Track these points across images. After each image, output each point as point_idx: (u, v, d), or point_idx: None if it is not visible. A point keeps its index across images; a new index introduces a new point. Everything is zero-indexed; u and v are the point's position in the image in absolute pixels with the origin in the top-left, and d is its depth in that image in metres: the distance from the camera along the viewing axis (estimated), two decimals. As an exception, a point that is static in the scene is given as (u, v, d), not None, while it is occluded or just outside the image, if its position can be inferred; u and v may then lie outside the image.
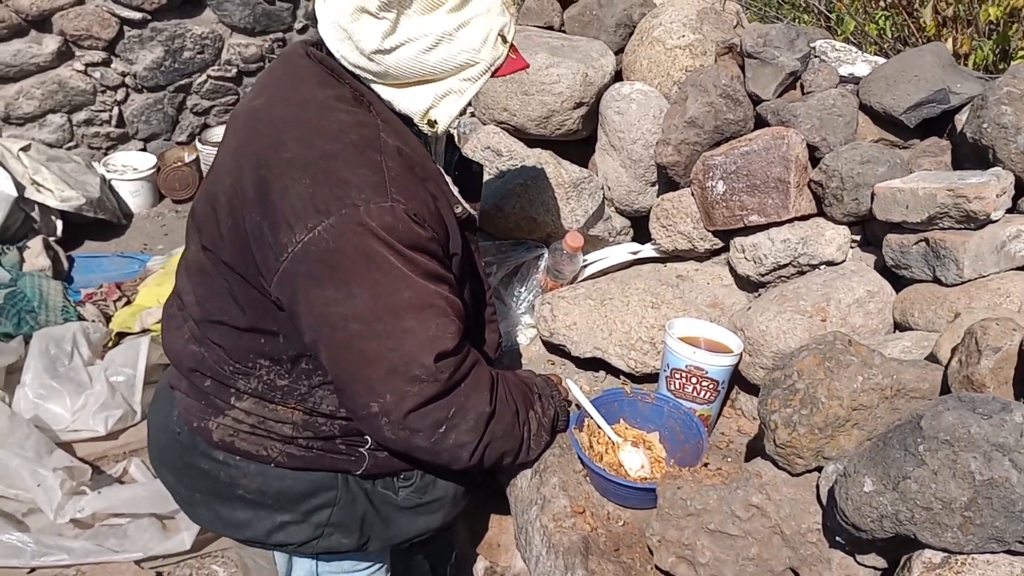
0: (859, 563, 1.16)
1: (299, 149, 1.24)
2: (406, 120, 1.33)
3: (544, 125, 2.06)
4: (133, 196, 4.14)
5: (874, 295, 1.56)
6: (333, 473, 1.45)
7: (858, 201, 1.62)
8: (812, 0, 2.70)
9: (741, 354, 1.58)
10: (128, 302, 3.43)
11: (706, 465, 1.42)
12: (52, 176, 3.78)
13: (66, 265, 3.67)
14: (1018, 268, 1.49)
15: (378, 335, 1.23)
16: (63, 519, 2.35)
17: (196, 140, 4.24)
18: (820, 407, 1.19)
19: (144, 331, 3.18)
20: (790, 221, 1.70)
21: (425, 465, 1.46)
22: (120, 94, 4.15)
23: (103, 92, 4.12)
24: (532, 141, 2.11)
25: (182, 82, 4.21)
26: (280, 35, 4.24)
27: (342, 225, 1.20)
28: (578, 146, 2.19)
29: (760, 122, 1.83)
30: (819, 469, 1.23)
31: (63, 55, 3.98)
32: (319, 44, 1.41)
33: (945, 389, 1.18)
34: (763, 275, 1.73)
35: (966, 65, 2.41)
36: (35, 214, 3.72)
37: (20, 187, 3.66)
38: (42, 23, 3.88)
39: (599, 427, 1.54)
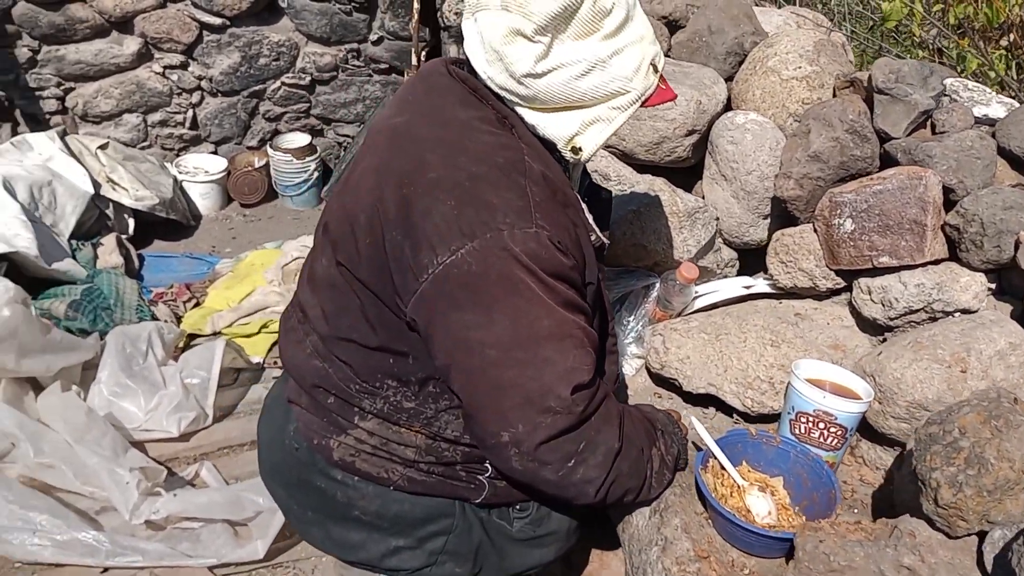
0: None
1: (444, 169, 1.21)
2: (547, 145, 1.31)
3: (654, 151, 2.03)
4: (203, 198, 4.16)
5: (1016, 347, 1.50)
6: (451, 500, 1.41)
7: (1000, 248, 1.56)
8: (926, 35, 2.64)
9: (871, 401, 1.53)
10: (197, 304, 3.43)
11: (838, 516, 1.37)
12: (128, 175, 3.81)
13: (136, 264, 3.69)
14: None
15: (515, 363, 1.19)
16: (138, 520, 2.33)
17: (267, 146, 4.25)
18: (989, 468, 1.13)
19: (215, 334, 3.19)
20: (923, 265, 1.64)
21: (542, 496, 1.42)
22: (195, 97, 4.18)
23: (179, 95, 4.15)
24: (639, 167, 2.07)
25: (256, 88, 4.23)
26: (355, 46, 4.25)
27: (486, 249, 1.17)
28: (682, 173, 2.15)
29: (887, 160, 1.78)
30: (980, 534, 1.17)
31: (142, 57, 4.02)
32: (460, 62, 1.38)
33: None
34: (892, 319, 1.67)
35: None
36: (109, 212, 3.75)
37: (96, 184, 3.69)
38: (124, 24, 3.92)
39: (723, 469, 1.49)
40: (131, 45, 3.96)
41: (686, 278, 1.78)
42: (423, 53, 3.88)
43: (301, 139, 4.33)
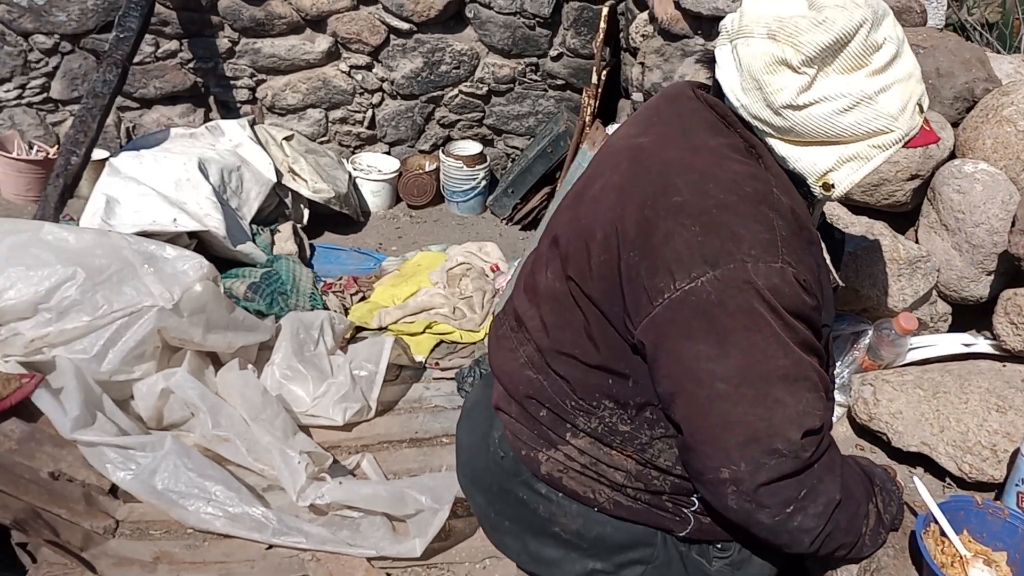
0: None
1: (691, 195, 1.19)
2: (794, 179, 1.27)
3: (871, 193, 1.94)
4: (373, 196, 4.30)
5: None
6: (654, 530, 1.38)
7: None
8: None
9: (1116, 484, 1.40)
10: (363, 297, 3.53)
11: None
12: (308, 167, 3.98)
13: (308, 253, 3.84)
14: None
15: (745, 400, 1.15)
16: (304, 502, 2.40)
17: (440, 151, 4.36)
18: None
19: (380, 329, 3.27)
20: None
21: (749, 539, 1.37)
22: (376, 98, 4.33)
23: (361, 94, 4.30)
24: (854, 208, 1.99)
25: (434, 94, 4.34)
26: (534, 60, 4.30)
27: (728, 279, 1.14)
28: (895, 218, 2.05)
29: None
30: None
31: (331, 55, 4.19)
32: (707, 87, 1.36)
33: None
34: None
35: None
36: (287, 201, 3.92)
37: (279, 174, 3.87)
38: (318, 23, 4.10)
39: (943, 535, 1.40)
40: (322, 43, 4.14)
41: (904, 329, 1.69)
42: (604, 73, 3.88)
43: (472, 147, 4.41)
